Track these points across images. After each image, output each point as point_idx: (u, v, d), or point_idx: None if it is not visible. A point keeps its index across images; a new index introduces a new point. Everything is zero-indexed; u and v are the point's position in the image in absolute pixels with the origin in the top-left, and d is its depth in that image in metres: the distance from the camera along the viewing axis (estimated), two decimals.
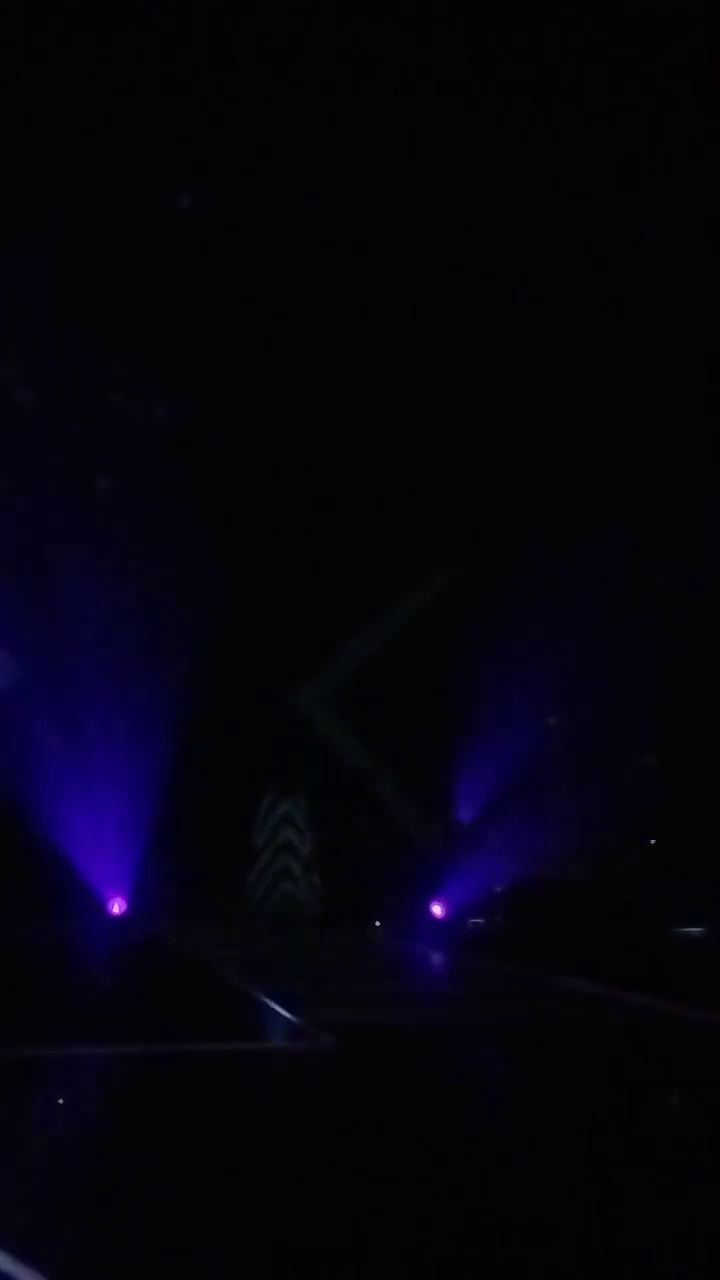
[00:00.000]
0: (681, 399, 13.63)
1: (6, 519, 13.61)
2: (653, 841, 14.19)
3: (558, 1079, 5.87)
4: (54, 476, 14.23)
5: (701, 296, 12.22)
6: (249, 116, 10.76)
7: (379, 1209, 3.64)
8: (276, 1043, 6.44)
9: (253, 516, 15.25)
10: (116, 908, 12.00)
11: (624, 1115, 5.03)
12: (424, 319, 13.40)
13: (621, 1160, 4.30)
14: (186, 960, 9.84)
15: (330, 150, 10.93)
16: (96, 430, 14.36)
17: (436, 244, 12.32)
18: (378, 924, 12.69)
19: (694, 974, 9.04)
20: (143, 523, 13.81)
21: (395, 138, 10.76)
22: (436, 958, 10.72)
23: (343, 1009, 7.26)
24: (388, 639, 16.72)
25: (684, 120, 10.38)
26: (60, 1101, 5.13)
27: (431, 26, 10.01)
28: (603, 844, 13.45)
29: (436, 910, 12.87)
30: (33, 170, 10.45)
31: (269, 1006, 7.15)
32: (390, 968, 10.45)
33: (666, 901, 12.70)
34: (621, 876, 12.99)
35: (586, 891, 12.69)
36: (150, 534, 13.68)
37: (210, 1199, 3.65)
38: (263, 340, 13.31)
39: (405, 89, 10.33)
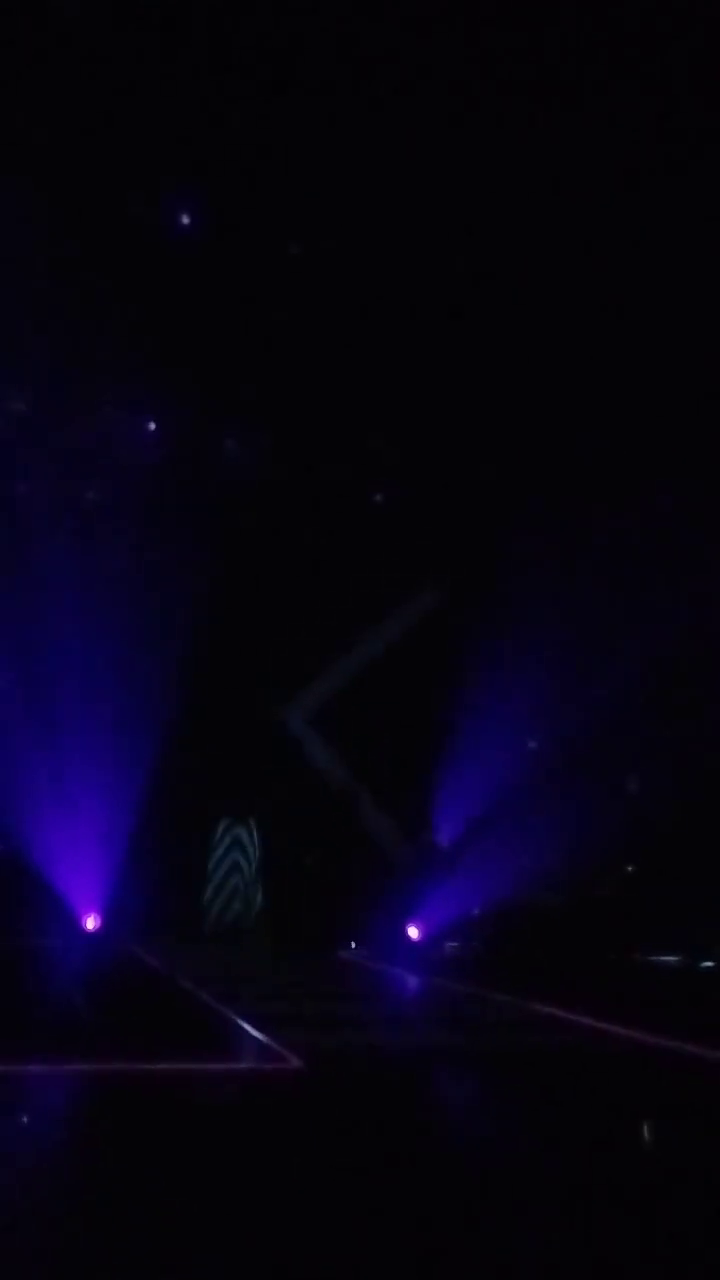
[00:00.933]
0: (666, 420, 13.78)
1: None
2: (630, 869, 14.23)
3: (525, 1107, 5.87)
4: (43, 493, 14.27)
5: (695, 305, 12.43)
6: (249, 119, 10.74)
7: (343, 1231, 3.63)
8: (246, 1064, 6.40)
9: (240, 542, 15.32)
10: (91, 924, 11.93)
11: (591, 1144, 5.03)
12: (423, 323, 13.52)
13: (588, 1188, 4.30)
14: (158, 977, 9.78)
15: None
16: (89, 445, 14.41)
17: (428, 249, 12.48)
18: (354, 945, 12.65)
19: (668, 1002, 9.06)
20: (126, 549, 13.85)
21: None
22: (410, 981, 10.68)
23: (311, 1031, 7.24)
24: (370, 661, 16.76)
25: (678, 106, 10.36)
26: (25, 1119, 5.08)
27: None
28: (580, 870, 13.47)
29: (412, 933, 12.84)
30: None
31: (240, 1026, 7.12)
32: (363, 990, 10.42)
33: (643, 929, 12.73)
34: (599, 903, 13.01)
35: (563, 918, 12.70)
36: (133, 561, 13.73)
37: (168, 1219, 3.63)
38: (256, 353, 13.38)
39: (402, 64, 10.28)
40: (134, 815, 12.47)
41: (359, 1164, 4.52)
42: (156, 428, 14.93)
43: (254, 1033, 6.87)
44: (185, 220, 12.57)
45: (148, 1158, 4.42)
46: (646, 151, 11.22)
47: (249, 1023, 7.15)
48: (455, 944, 13.20)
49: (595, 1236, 3.72)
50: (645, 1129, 5.53)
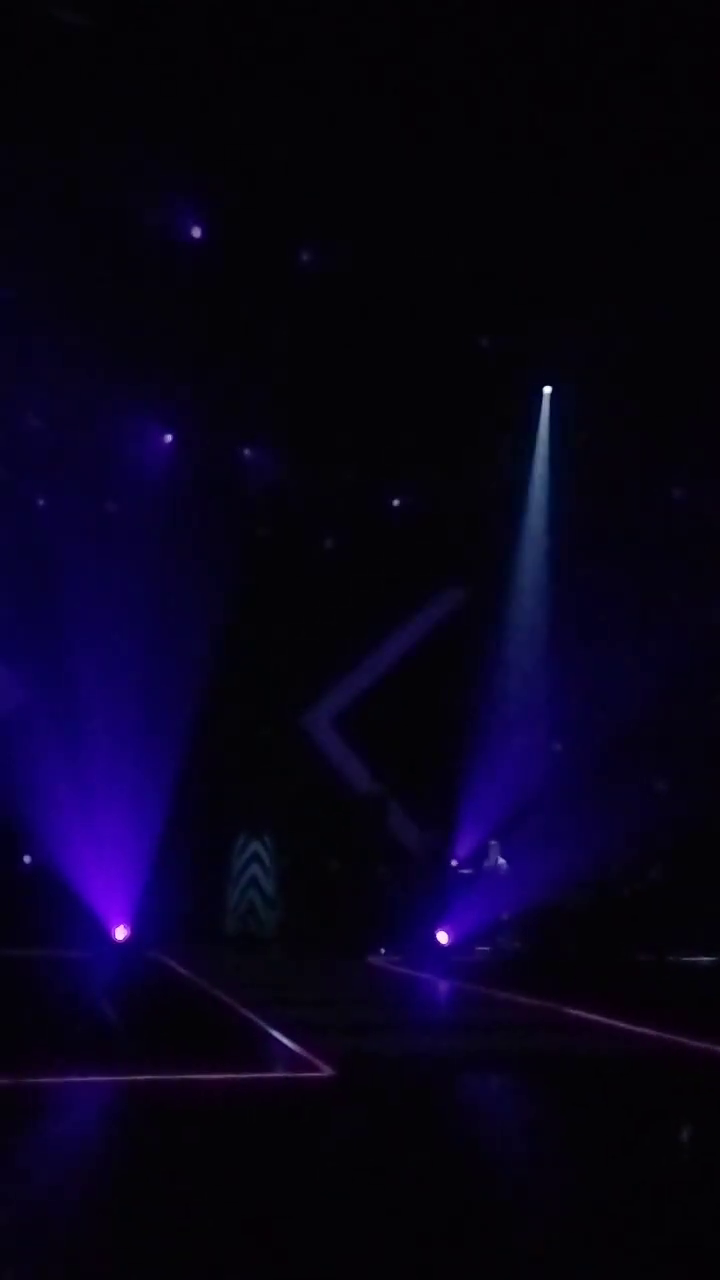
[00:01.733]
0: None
1: (8, 557, 13.70)
2: (659, 869, 14.11)
3: (557, 1112, 5.83)
4: (63, 503, 14.36)
5: None
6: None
7: (372, 1238, 3.62)
8: (277, 1072, 6.39)
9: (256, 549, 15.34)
10: (120, 934, 11.97)
11: (619, 1150, 4.98)
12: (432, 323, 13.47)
13: (617, 1196, 4.26)
14: (188, 986, 9.79)
15: None
16: (107, 455, 14.49)
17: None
18: (383, 951, 12.61)
19: (703, 1003, 8.97)
20: (144, 554, 13.90)
21: None
22: (440, 986, 10.64)
23: (342, 1038, 7.23)
24: (395, 664, 16.76)
25: None
26: (66, 1129, 5.09)
27: None
28: (608, 871, 13.38)
29: (442, 937, 12.79)
30: None
31: (271, 1035, 7.11)
32: (392, 996, 10.38)
33: (673, 929, 12.63)
34: (629, 903, 12.91)
35: (594, 918, 12.61)
36: (154, 571, 13.78)
37: (202, 1230, 3.63)
38: (272, 360, 13.39)
39: None
40: (159, 825, 12.51)
41: (387, 1172, 4.49)
42: (174, 438, 15.02)
43: (285, 1040, 6.86)
44: (194, 229, 12.62)
45: (179, 1167, 4.42)
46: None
47: (279, 1030, 7.14)
48: (486, 948, 13.14)
49: (623, 1238, 3.69)
50: (681, 1132, 5.48)
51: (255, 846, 14.29)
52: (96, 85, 10.33)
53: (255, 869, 14.12)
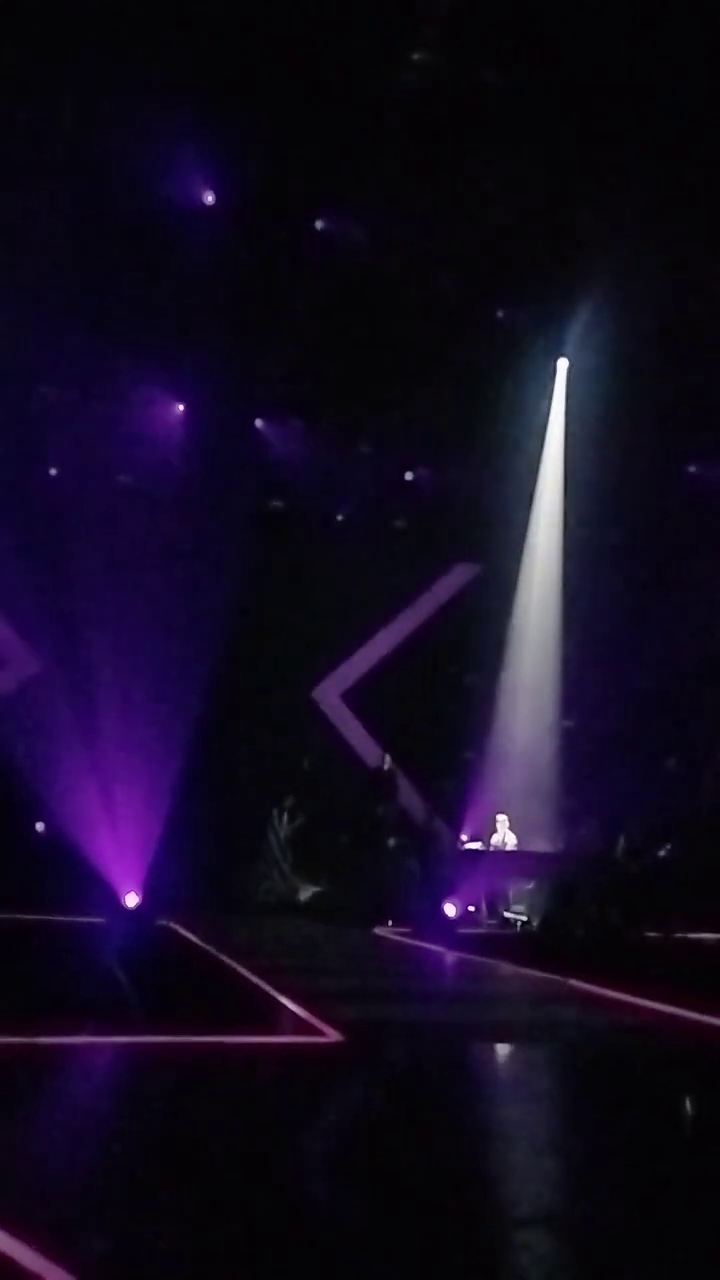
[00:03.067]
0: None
1: (28, 520, 13.71)
2: (669, 846, 14.14)
3: (559, 1080, 5.87)
4: (78, 476, 14.36)
5: None
6: None
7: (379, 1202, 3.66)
8: (285, 1036, 6.44)
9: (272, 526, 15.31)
10: (131, 901, 12.06)
11: (620, 1119, 5.02)
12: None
13: (616, 1162, 4.29)
14: (199, 954, 9.88)
15: None
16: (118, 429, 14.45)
17: None
18: (390, 922, 12.69)
19: (709, 979, 9.00)
20: (159, 526, 13.89)
21: None
22: (448, 958, 10.70)
23: (350, 1005, 7.29)
24: (408, 639, 16.75)
25: None
26: (74, 1090, 5.16)
27: None
28: (618, 847, 13.41)
29: (449, 910, 12.85)
30: None
31: (279, 1001, 7.18)
32: (399, 967, 10.46)
33: (686, 902, 12.65)
34: (637, 879, 12.94)
35: (601, 894, 12.65)
36: (166, 540, 13.78)
37: (208, 1192, 3.67)
38: (287, 334, 13.31)
39: None
40: (172, 793, 12.58)
41: (391, 1134, 4.54)
42: (188, 409, 14.95)
43: (293, 1006, 6.92)
44: (208, 197, 12.49)
45: (187, 1128, 4.47)
46: None
47: (287, 996, 7.20)
48: (493, 920, 13.21)
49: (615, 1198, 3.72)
50: (684, 1102, 5.51)
51: (279, 808, 14.39)
52: (116, 49, 10.20)
53: (271, 838, 14.21)
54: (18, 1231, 3.08)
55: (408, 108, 11.25)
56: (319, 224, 13.03)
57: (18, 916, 11.07)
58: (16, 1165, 3.87)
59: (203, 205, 12.45)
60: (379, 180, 12.16)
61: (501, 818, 14.10)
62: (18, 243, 11.14)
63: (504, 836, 13.97)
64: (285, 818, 14.10)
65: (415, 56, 10.93)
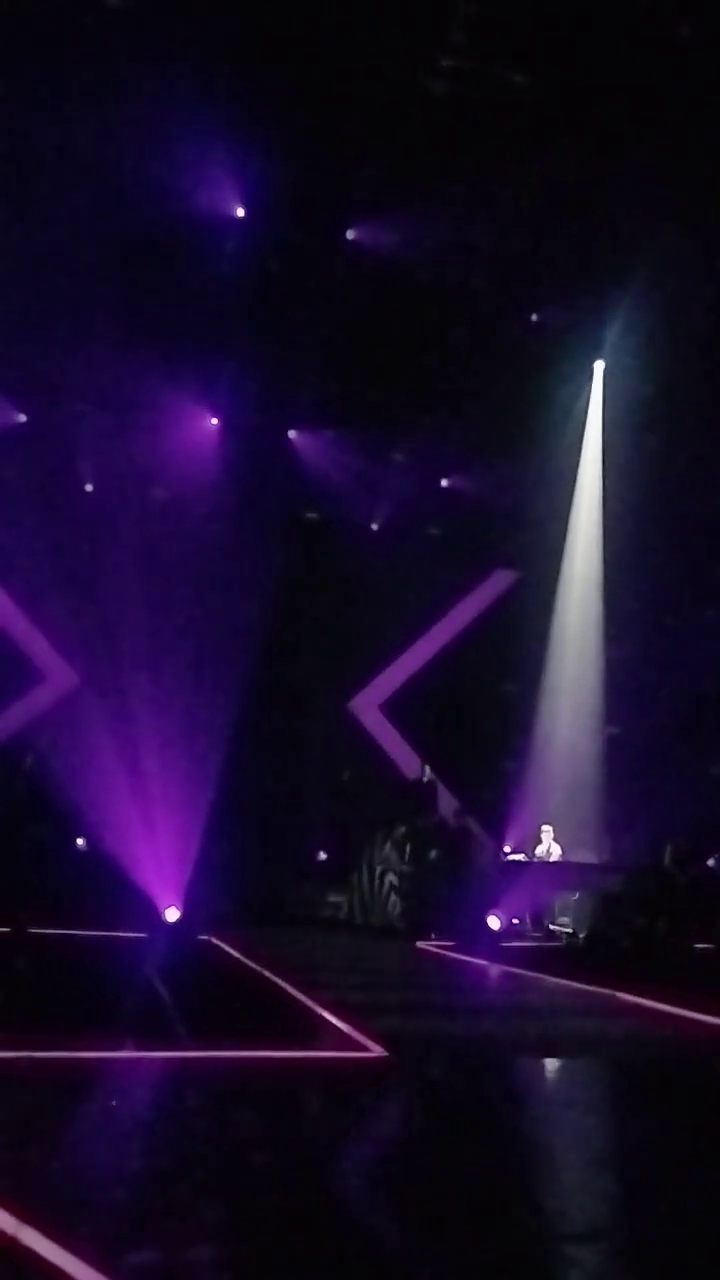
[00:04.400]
0: None
1: (64, 534, 13.79)
2: (718, 855, 13.83)
3: (609, 1094, 5.68)
4: (113, 490, 14.43)
5: None
6: None
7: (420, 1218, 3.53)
8: (330, 1051, 6.32)
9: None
10: (171, 916, 12.01)
11: (670, 1140, 4.83)
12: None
13: (669, 1179, 4.12)
14: (239, 968, 9.79)
15: None
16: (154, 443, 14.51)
17: None
18: (433, 935, 12.52)
19: None
20: (196, 538, 13.91)
21: None
22: (493, 971, 10.51)
23: (395, 1019, 7.15)
24: (444, 645, 16.62)
25: None
26: (113, 1104, 5.08)
27: None
28: (664, 856, 13.13)
29: (493, 923, 12.65)
30: None
31: (322, 1016, 7.06)
32: (442, 980, 10.29)
33: None
34: (685, 890, 12.65)
35: (648, 905, 12.38)
36: (203, 552, 13.79)
37: (252, 1209, 3.56)
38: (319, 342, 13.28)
39: None
40: (210, 805, 12.54)
41: (437, 1150, 4.40)
42: (221, 419, 14.99)
43: (336, 1021, 6.80)
44: (239, 206, 12.50)
45: (230, 1142, 4.36)
46: None
47: (330, 1011, 7.08)
48: (538, 933, 12.98)
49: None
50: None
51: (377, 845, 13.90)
52: (148, 59, 10.24)
53: (380, 867, 13.74)
54: (65, 1243, 3.06)
55: (439, 111, 11.21)
56: (351, 232, 13.00)
57: (60, 932, 11.07)
58: (62, 1179, 3.81)
59: (234, 216, 12.47)
60: (411, 186, 12.11)
61: (546, 828, 13.88)
62: (49, 257, 11.22)
63: (549, 847, 13.75)
64: (402, 849, 13.45)
65: (446, 58, 10.87)
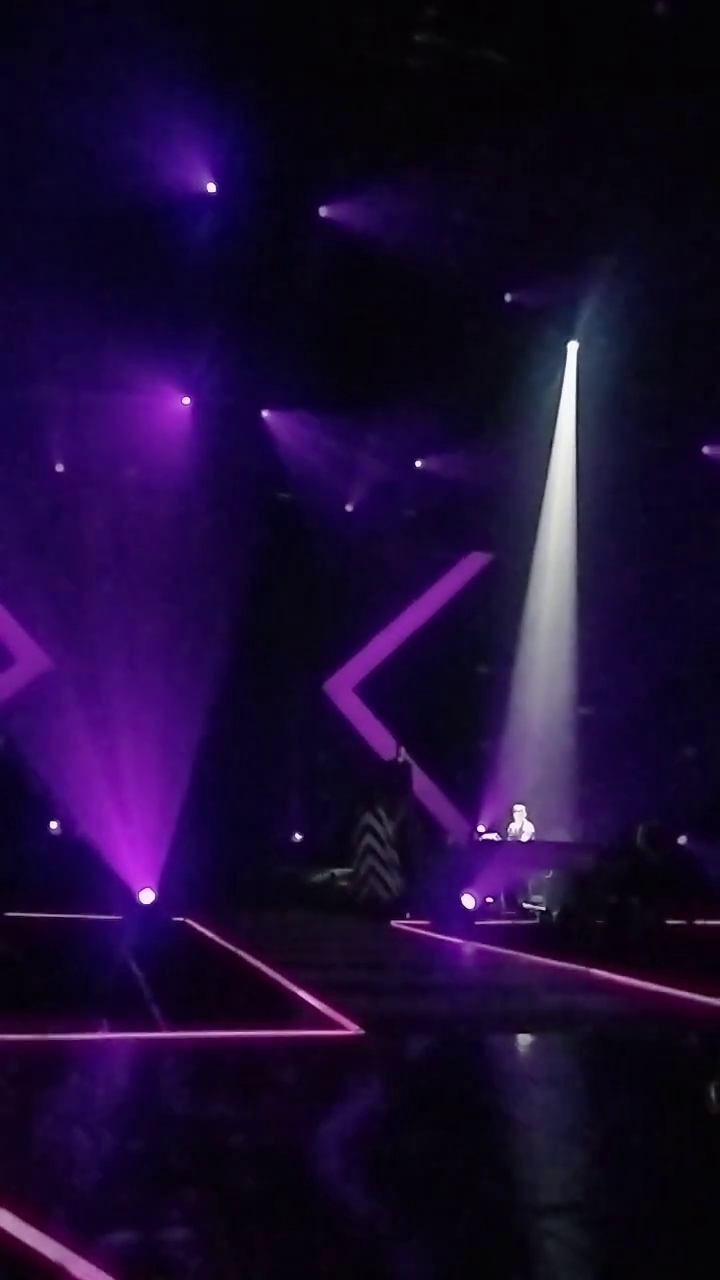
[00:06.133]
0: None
1: (36, 515, 13.65)
2: (685, 836, 14.01)
3: (581, 1068, 5.76)
4: (84, 466, 14.28)
5: None
6: None
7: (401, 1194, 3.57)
8: (306, 1030, 6.36)
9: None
10: (146, 898, 12.00)
11: (642, 1113, 4.91)
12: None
13: (640, 1151, 4.19)
14: (215, 949, 9.81)
15: None
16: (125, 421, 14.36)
17: None
18: (408, 914, 12.59)
19: None
20: (169, 519, 13.80)
21: None
22: (467, 949, 10.60)
23: (369, 998, 7.20)
24: (418, 628, 16.64)
25: None
26: (92, 1086, 5.08)
27: None
28: (636, 834, 13.26)
29: (467, 901, 12.73)
30: None
31: (298, 995, 7.09)
32: (416, 959, 10.37)
33: (702, 893, 12.51)
34: (657, 866, 12.79)
35: (621, 881, 12.50)
36: (176, 535, 13.69)
37: (228, 1185, 3.58)
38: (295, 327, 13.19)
39: None
40: (184, 787, 12.51)
41: (412, 1124, 4.44)
42: (194, 400, 14.87)
43: (313, 1001, 6.83)
44: (211, 184, 12.34)
45: (207, 1121, 4.38)
46: None
47: (306, 991, 7.11)
48: (512, 912, 13.09)
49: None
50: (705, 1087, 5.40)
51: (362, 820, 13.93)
52: (119, 33, 10.06)
53: (370, 839, 13.76)
54: (40, 1224, 3.07)
55: (414, 90, 11.11)
56: (324, 210, 12.89)
57: (35, 915, 11.03)
58: (37, 1161, 3.81)
59: (206, 193, 12.32)
60: (385, 165, 12.02)
61: (519, 808, 13.97)
62: (17, 234, 11.05)
63: (521, 826, 13.85)
64: (384, 819, 13.55)
65: (420, 37, 10.78)
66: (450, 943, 10.89)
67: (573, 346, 14.84)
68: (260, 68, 10.90)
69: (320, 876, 14.30)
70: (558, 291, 13.75)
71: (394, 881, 13.33)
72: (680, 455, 15.06)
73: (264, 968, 8.25)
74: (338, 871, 14.17)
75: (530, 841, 13.66)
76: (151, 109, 10.90)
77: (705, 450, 15.37)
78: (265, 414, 15.31)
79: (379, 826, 13.50)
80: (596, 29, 10.71)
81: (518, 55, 11.12)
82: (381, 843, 13.50)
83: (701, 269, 12.38)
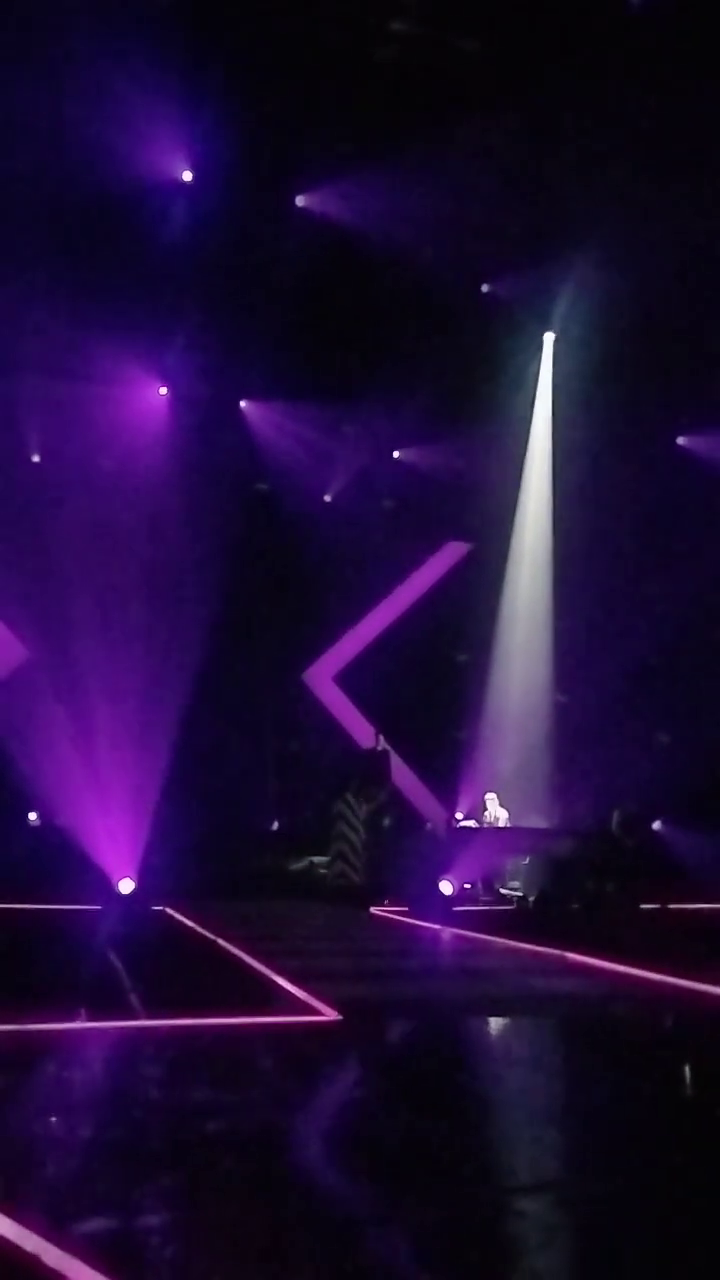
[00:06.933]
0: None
1: (11, 505, 13.59)
2: (659, 821, 14.19)
3: (555, 1050, 5.86)
4: (59, 456, 14.22)
5: None
6: None
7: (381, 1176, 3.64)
8: (285, 1016, 6.43)
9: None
10: (125, 887, 12.03)
11: (616, 1094, 5.02)
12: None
13: (614, 1132, 4.29)
14: (195, 937, 9.87)
15: None
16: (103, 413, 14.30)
17: None
18: (385, 901, 12.69)
19: (704, 948, 9.02)
20: (146, 509, 13.77)
21: None
22: (445, 935, 10.72)
23: (347, 985, 7.28)
24: (397, 617, 16.71)
25: None
26: (71, 1076, 5.13)
27: None
28: (612, 820, 13.42)
29: (445, 887, 12.86)
30: None
31: (276, 982, 7.16)
32: (394, 945, 10.47)
33: (676, 877, 12.69)
34: (632, 851, 12.96)
35: (596, 866, 12.67)
36: (153, 524, 13.66)
37: (206, 1172, 3.65)
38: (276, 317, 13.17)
39: None
40: (163, 777, 12.54)
41: (391, 1109, 4.52)
42: (172, 390, 14.82)
43: (291, 987, 6.90)
44: (190, 172, 12.29)
45: (187, 1108, 4.44)
46: None
47: (284, 977, 7.18)
48: (489, 897, 13.23)
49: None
50: (677, 1068, 5.52)
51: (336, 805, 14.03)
52: (94, 18, 10.00)
53: (343, 826, 13.82)
54: (16, 1215, 3.07)
55: (390, 79, 11.11)
56: (301, 199, 12.88)
57: (13, 906, 11.04)
58: (15, 1151, 3.84)
59: (183, 181, 12.27)
60: (363, 156, 12.02)
61: (490, 796, 14.11)
62: None
63: (494, 814, 13.98)
64: (357, 803, 13.68)
65: (397, 27, 10.77)
66: (428, 928, 10.99)
67: (549, 338, 14.91)
68: (236, 57, 10.87)
69: (299, 864, 14.39)
70: (534, 283, 13.80)
71: (362, 866, 13.47)
72: (654, 445, 15.18)
73: (243, 955, 8.31)
74: (316, 859, 14.30)
75: (507, 827, 13.79)
76: (127, 97, 10.85)
77: (679, 441, 15.49)
78: (243, 404, 15.29)
79: (349, 813, 13.63)
80: (573, 21, 10.76)
81: (494, 46, 11.14)
82: (354, 828, 13.64)
83: (676, 261, 12.48)
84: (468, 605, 16.08)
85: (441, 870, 12.85)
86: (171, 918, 11.04)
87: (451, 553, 17.02)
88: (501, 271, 13.83)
